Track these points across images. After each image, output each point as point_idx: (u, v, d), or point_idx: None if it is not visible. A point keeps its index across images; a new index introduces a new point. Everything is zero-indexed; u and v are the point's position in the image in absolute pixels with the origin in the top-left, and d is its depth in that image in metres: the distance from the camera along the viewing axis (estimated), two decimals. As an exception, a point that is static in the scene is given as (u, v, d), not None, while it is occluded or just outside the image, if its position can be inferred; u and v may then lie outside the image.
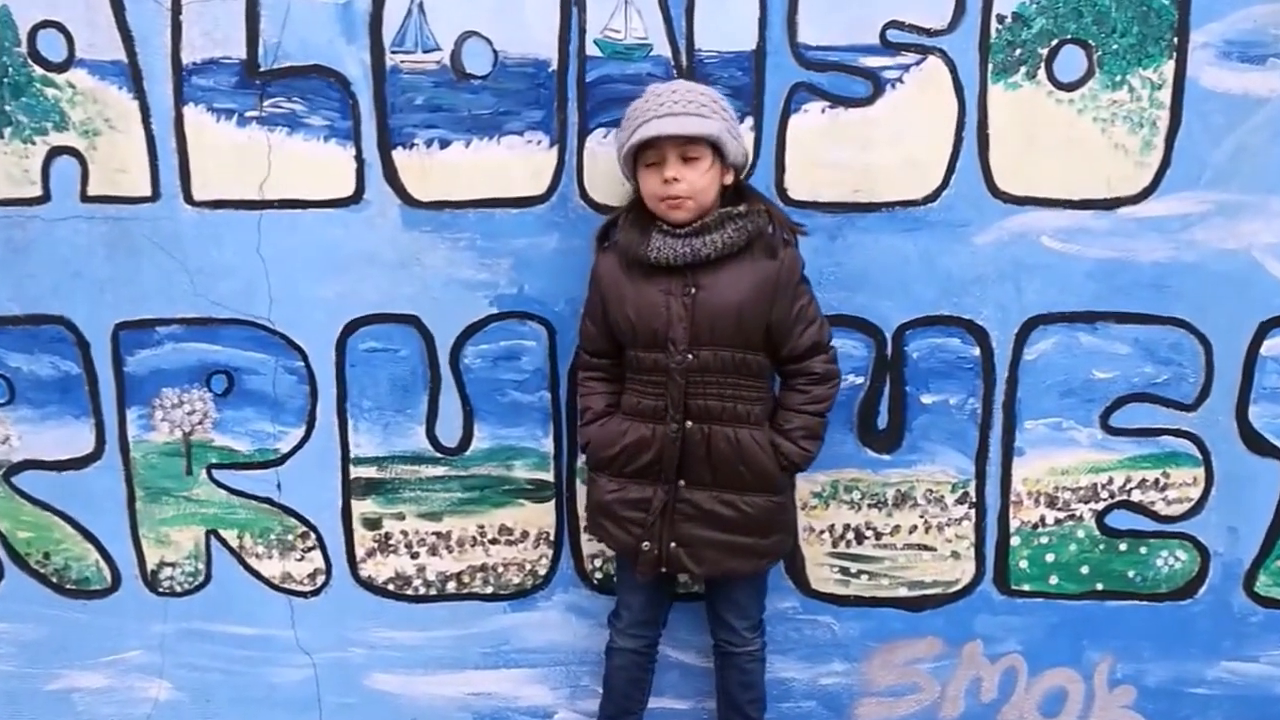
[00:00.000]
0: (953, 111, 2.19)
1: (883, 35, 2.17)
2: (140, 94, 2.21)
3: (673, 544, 2.09)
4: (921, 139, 2.20)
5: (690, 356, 2.02)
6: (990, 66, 2.17)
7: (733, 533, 2.09)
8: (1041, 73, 2.17)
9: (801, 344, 2.07)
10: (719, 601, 2.26)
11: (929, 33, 2.16)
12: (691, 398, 2.04)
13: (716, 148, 1.98)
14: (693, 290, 2.01)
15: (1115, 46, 2.17)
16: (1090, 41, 2.17)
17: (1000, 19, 2.16)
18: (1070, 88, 2.19)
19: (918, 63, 2.17)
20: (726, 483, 2.08)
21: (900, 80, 2.18)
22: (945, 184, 2.22)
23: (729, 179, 2.05)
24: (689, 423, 2.05)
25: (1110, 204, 2.22)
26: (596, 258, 2.14)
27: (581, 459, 2.31)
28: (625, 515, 2.12)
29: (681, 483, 2.08)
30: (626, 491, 2.11)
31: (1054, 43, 2.17)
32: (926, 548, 2.41)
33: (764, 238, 2.03)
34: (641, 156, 2.00)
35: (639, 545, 2.11)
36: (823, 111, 2.20)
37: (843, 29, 2.16)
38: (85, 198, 2.27)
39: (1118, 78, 2.18)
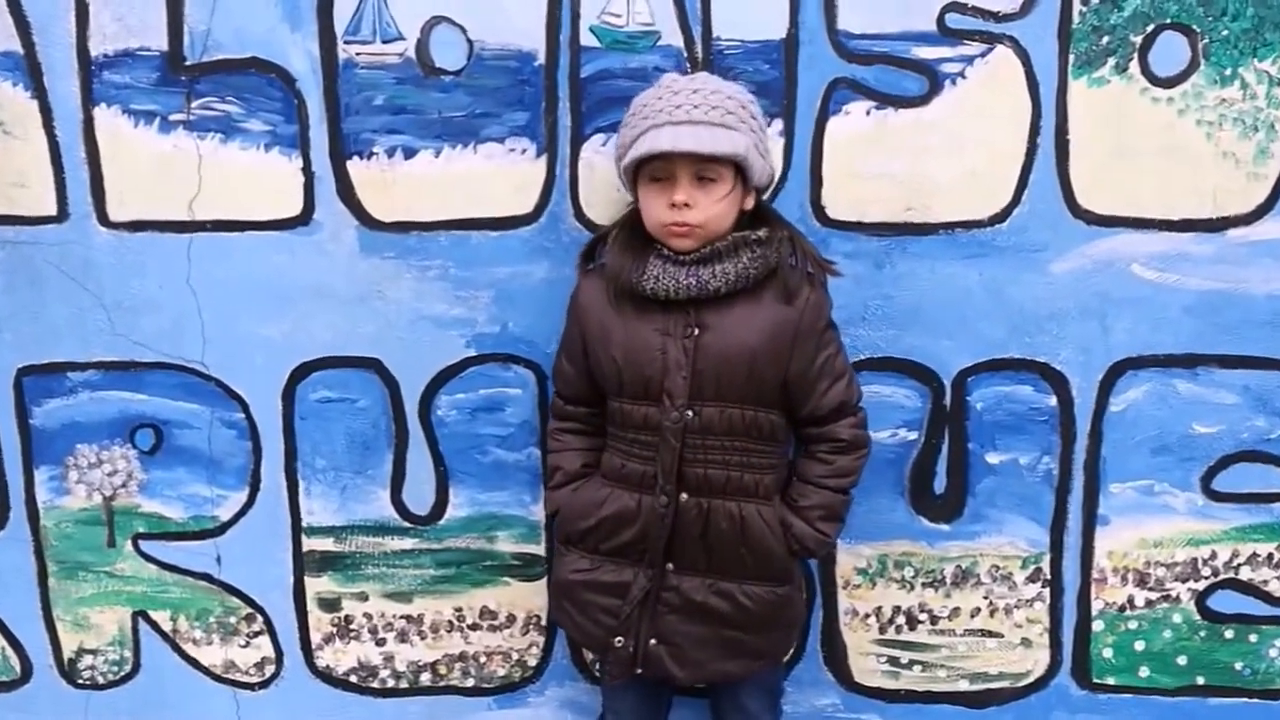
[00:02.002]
0: (1026, 113, 2.02)
1: (941, 21, 1.99)
2: (40, 92, 2.06)
3: (652, 641, 1.86)
4: (987, 147, 2.04)
5: (690, 414, 1.78)
6: (1071, 58, 2.00)
7: (725, 628, 1.87)
8: (1134, 65, 2.00)
9: (825, 404, 1.84)
10: (725, 710, 2.04)
11: (997, 17, 1.98)
12: (688, 464, 1.81)
13: (740, 168, 1.74)
14: (695, 331, 1.77)
15: (1225, 33, 1.99)
16: (1194, 27, 1.99)
17: (1084, 0, 1.97)
18: (1169, 84, 2.01)
19: (983, 54, 2.00)
20: (724, 569, 1.85)
21: (962, 75, 2.01)
22: (1016, 201, 2.05)
23: (749, 203, 1.82)
24: (684, 495, 1.82)
25: (1216, 225, 2.05)
26: (579, 281, 1.94)
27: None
28: (593, 601, 1.88)
29: (670, 566, 1.85)
30: (599, 573, 1.88)
31: (1150, 28, 1.99)
32: (992, 634, 2.25)
33: (784, 272, 1.80)
34: (646, 168, 1.77)
35: (609, 641, 1.88)
36: (868, 113, 2.03)
37: (892, 13, 1.99)
38: (-24, 218, 2.14)
39: (1227, 71, 2.00)
